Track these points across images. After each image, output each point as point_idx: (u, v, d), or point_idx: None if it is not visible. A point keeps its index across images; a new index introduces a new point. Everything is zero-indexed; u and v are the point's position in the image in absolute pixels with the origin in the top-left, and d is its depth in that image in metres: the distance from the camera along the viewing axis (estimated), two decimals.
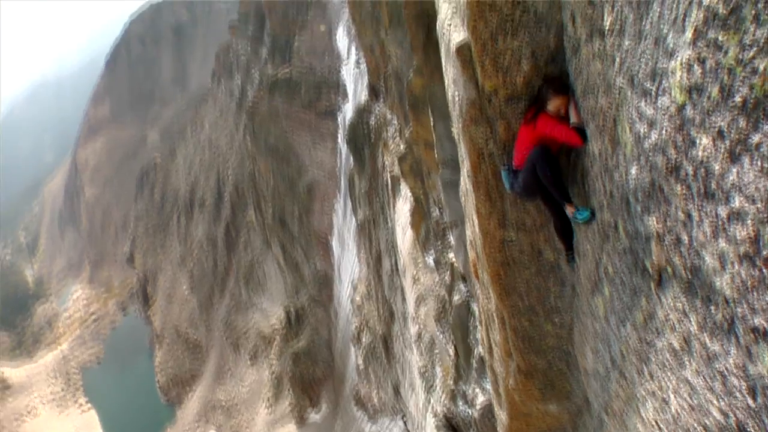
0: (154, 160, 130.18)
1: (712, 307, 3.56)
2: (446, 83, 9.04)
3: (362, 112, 47.52)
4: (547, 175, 6.48)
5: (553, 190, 6.61)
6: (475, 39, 6.72)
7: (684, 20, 3.37)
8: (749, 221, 3.00)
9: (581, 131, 6.14)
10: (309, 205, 63.89)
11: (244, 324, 78.76)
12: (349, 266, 55.91)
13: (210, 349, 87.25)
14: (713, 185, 3.30)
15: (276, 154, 67.93)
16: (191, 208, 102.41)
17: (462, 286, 21.62)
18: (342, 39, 69.49)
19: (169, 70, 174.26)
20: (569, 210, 6.67)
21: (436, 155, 21.44)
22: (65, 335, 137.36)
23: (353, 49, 63.95)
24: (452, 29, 7.73)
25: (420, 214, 27.96)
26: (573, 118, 6.28)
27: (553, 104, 6.48)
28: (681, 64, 3.44)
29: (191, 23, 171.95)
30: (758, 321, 3.04)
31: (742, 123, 2.99)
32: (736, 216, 3.11)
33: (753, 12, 2.80)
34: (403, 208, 32.23)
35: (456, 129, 8.49)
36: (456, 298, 21.80)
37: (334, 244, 61.31)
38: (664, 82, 3.70)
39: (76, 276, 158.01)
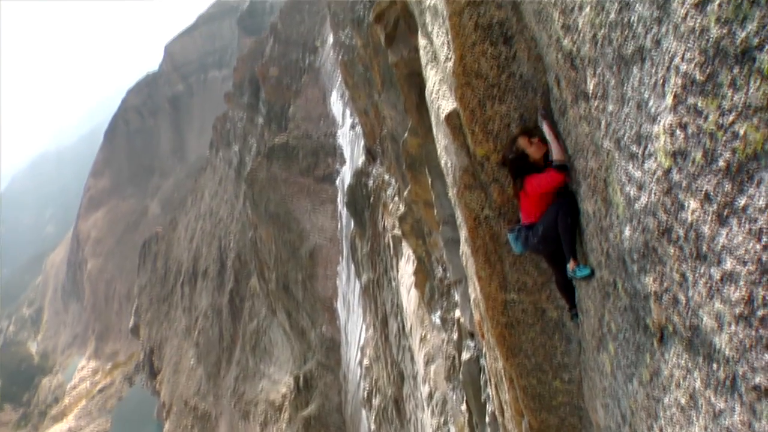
0: (155, 231, 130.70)
1: (714, 365, 3.56)
2: (438, 151, 9.14)
3: (360, 175, 47.81)
4: (567, 225, 6.43)
5: (566, 240, 6.56)
6: (463, 107, 6.81)
7: (663, 86, 3.44)
8: (742, 283, 3.03)
9: (562, 167, 6.19)
10: (312, 270, 63.79)
11: (252, 392, 77.85)
12: (355, 330, 55.56)
13: (219, 419, 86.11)
14: (704, 247, 3.33)
15: (277, 221, 68.16)
16: (194, 278, 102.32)
17: (470, 343, 21.45)
18: (336, 103, 70.38)
19: (168, 141, 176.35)
20: (571, 265, 6.63)
21: (435, 214, 21.49)
22: (71, 408, 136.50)
23: (348, 112, 64.73)
24: (440, 97, 7.84)
25: (423, 273, 27.90)
26: (555, 155, 6.29)
27: (522, 142, 6.49)
28: (664, 129, 3.49)
29: (187, 93, 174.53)
30: (759, 379, 3.05)
31: (727, 186, 3.03)
32: (729, 277, 3.14)
33: (729, 77, 2.86)
34: (406, 268, 32.19)
35: (451, 194, 8.56)
36: (465, 355, 21.60)
37: (340, 308, 61.03)
38: (649, 146, 3.75)
39: (81, 348, 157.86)
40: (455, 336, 23.52)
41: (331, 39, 76.32)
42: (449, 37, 6.63)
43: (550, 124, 6.22)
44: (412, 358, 33.51)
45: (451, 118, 7.33)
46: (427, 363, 28.93)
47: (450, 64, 6.75)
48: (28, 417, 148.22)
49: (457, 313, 23.01)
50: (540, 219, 6.67)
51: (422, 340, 29.34)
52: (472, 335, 21.02)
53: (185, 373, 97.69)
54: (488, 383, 17.68)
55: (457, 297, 23.11)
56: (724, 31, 2.84)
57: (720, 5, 2.83)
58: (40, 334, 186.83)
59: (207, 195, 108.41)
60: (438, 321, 27.03)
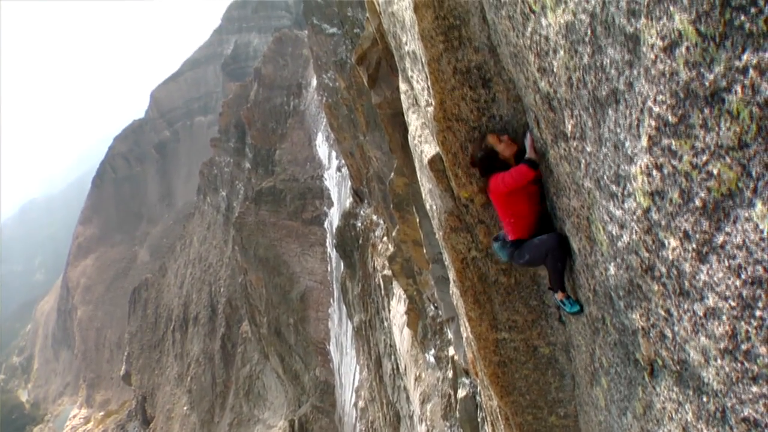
0: (145, 278, 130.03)
1: (704, 398, 3.60)
2: (423, 195, 9.18)
3: (348, 217, 47.89)
4: (557, 267, 6.35)
5: (555, 278, 6.47)
6: (445, 150, 6.85)
7: (638, 127, 3.50)
8: (725, 318, 3.08)
9: (531, 163, 6.12)
10: (303, 313, 63.55)
11: None
12: (349, 371, 55.24)
13: None
14: (687, 284, 3.38)
15: (266, 265, 68.01)
16: (185, 325, 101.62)
17: (465, 380, 21.37)
18: (322, 146, 70.73)
19: (155, 187, 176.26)
20: (560, 296, 6.56)
21: (425, 252, 21.51)
22: None
23: (334, 154, 65.09)
24: (423, 142, 7.88)
25: (415, 312, 27.84)
26: (528, 153, 6.20)
27: (491, 140, 6.42)
28: (641, 169, 3.55)
29: (173, 139, 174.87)
30: (747, 411, 3.09)
31: (705, 224, 3.09)
32: (712, 313, 3.19)
33: (701, 118, 2.93)
34: (397, 308, 32.12)
35: (438, 237, 8.59)
36: (461, 392, 21.50)
37: (333, 350, 60.71)
38: (628, 186, 3.81)
39: (73, 397, 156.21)
40: (450, 374, 23.42)
41: (314, 82, 76.90)
42: (429, 82, 6.68)
43: (533, 137, 6.15)
44: (407, 397, 33.29)
45: (434, 163, 7.37)
46: (423, 402, 28.73)
47: (431, 109, 6.80)
48: None
49: (451, 350, 22.94)
50: (528, 248, 6.51)
51: (417, 379, 29.17)
52: (467, 372, 20.93)
53: (178, 420, 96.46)
54: (485, 420, 17.58)
55: (450, 335, 23.06)
56: (693, 74, 2.90)
57: (688, 49, 2.90)
58: (30, 383, 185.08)
59: (196, 241, 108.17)
60: (432, 359, 26.92)
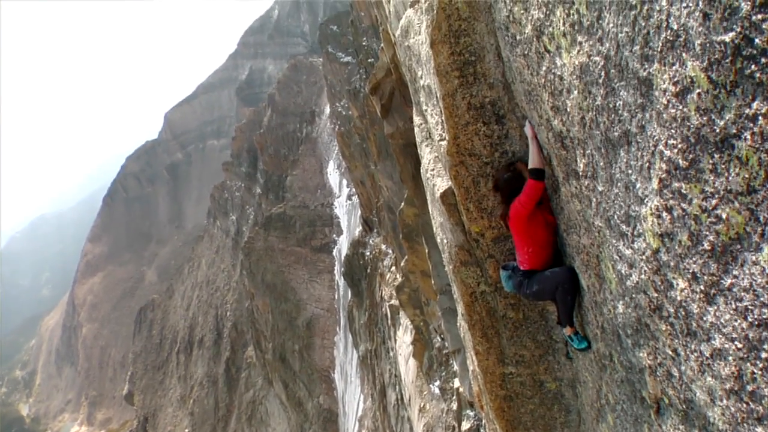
0: (152, 298, 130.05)
1: None
2: (434, 228, 9.22)
3: (357, 245, 47.89)
4: (567, 301, 6.34)
5: (564, 312, 6.47)
6: (457, 185, 6.91)
7: (649, 170, 3.55)
8: (731, 359, 3.11)
9: (539, 174, 6.05)
10: (309, 340, 63.34)
11: None
12: (353, 400, 54.91)
13: None
14: (694, 325, 3.42)
15: (273, 290, 67.93)
16: (190, 347, 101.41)
17: (470, 412, 21.26)
18: (333, 173, 70.96)
19: (165, 209, 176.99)
20: (568, 331, 6.58)
21: (433, 283, 21.48)
22: None
23: (344, 183, 65.27)
24: (435, 176, 7.94)
25: (422, 343, 27.76)
26: (531, 162, 6.11)
27: (520, 166, 6.41)
28: (651, 211, 3.60)
29: (185, 162, 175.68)
30: None
31: (713, 267, 3.13)
32: (719, 354, 3.22)
33: (711, 163, 2.98)
34: (404, 338, 32.02)
35: (448, 270, 8.62)
36: (465, 425, 21.39)
37: (337, 378, 60.44)
38: (638, 226, 3.85)
39: (74, 414, 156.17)
40: (455, 406, 23.30)
41: (327, 110, 77.36)
42: (443, 116, 6.75)
43: (533, 127, 6.06)
44: (411, 428, 33.07)
45: (446, 197, 7.43)
46: None
47: (444, 143, 6.86)
48: None
49: (456, 382, 22.83)
50: (539, 279, 6.49)
51: (421, 410, 29.01)
52: (471, 405, 20.82)
53: None
54: None
55: (456, 366, 22.95)
56: (704, 119, 2.95)
57: (699, 95, 2.95)
58: (32, 398, 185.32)
59: (204, 264, 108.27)
60: (437, 391, 26.78)
